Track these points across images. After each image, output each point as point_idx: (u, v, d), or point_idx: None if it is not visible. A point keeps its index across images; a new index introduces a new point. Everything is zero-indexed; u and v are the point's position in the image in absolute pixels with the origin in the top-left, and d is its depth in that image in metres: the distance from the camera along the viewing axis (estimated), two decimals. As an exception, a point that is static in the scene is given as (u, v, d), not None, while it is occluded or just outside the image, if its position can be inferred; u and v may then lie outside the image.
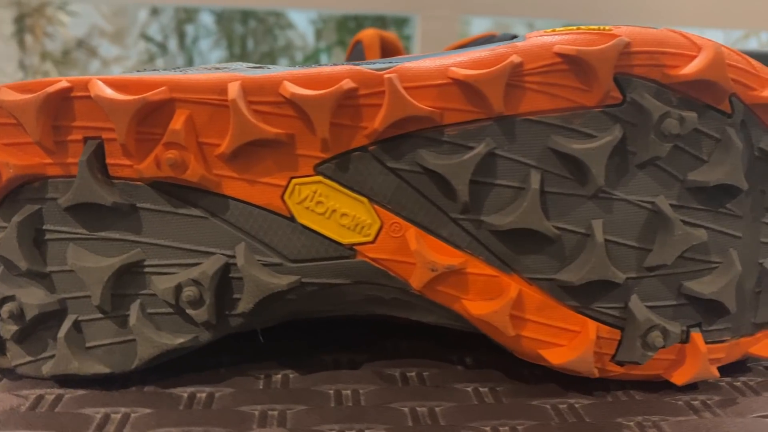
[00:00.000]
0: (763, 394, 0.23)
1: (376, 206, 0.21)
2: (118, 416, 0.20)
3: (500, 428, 0.21)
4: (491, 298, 0.21)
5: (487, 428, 0.21)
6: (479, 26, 1.89)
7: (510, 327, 0.21)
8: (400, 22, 1.45)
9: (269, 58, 1.66)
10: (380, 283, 0.21)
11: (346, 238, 0.21)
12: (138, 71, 0.23)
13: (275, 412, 0.21)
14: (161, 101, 0.19)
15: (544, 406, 0.22)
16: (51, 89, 0.19)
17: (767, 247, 0.23)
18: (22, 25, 1.44)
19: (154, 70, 0.22)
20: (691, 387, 0.23)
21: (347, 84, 0.19)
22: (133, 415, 0.21)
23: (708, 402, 0.23)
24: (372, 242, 0.21)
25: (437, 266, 0.20)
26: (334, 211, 0.21)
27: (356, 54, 0.45)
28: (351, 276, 0.21)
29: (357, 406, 0.22)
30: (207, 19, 1.65)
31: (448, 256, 0.21)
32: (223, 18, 1.63)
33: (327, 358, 0.25)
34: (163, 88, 0.19)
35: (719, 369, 0.24)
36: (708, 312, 0.23)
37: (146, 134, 0.20)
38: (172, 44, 1.64)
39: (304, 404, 0.22)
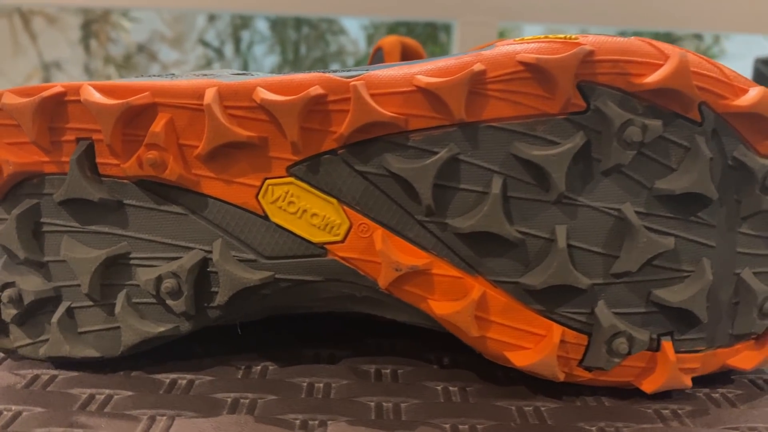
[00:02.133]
0: (740, 406, 0.23)
1: (345, 207, 0.22)
2: (102, 397, 0.22)
3: (460, 426, 0.21)
4: (456, 299, 0.22)
5: (447, 426, 0.21)
6: (531, 33, 1.87)
7: (473, 327, 0.22)
8: (449, 28, 1.45)
9: (321, 63, 1.69)
10: (351, 281, 0.22)
11: (317, 237, 0.22)
12: (136, 77, 0.24)
13: (247, 400, 0.22)
14: (144, 105, 0.21)
15: (509, 408, 0.22)
16: (46, 94, 0.21)
17: (744, 257, 0.23)
18: (88, 31, 1.52)
19: (151, 76, 0.24)
20: (665, 396, 0.23)
21: (315, 90, 0.21)
22: (115, 396, 0.22)
23: (679, 411, 0.23)
24: (341, 242, 0.22)
25: (401, 266, 0.21)
26: (305, 211, 0.22)
27: (377, 60, 0.46)
28: (322, 273, 0.22)
29: (326, 398, 0.23)
30: (262, 26, 1.70)
31: (413, 257, 0.22)
32: (277, 24, 1.68)
33: (308, 353, 0.26)
34: (146, 93, 0.21)
35: (699, 379, 0.24)
36: (679, 321, 0.23)
37: (131, 136, 0.21)
38: (228, 49, 1.69)
39: (276, 394, 0.23)
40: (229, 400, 0.22)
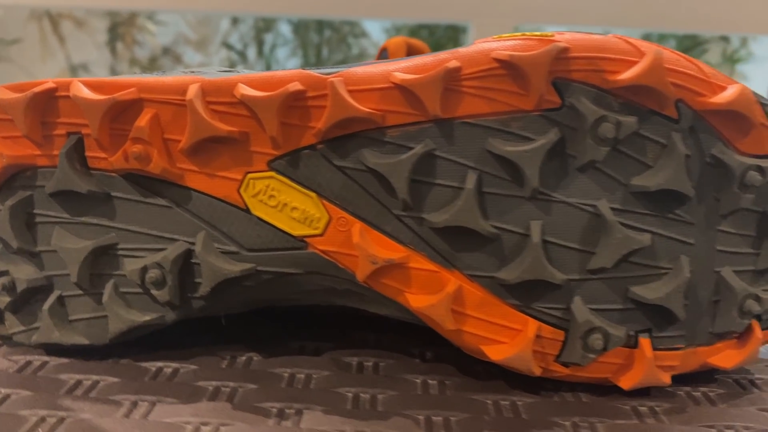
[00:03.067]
0: (720, 405, 0.23)
1: (324, 201, 0.22)
2: (89, 382, 0.23)
3: (433, 418, 0.22)
4: (433, 292, 0.22)
5: (421, 417, 0.22)
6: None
7: (448, 321, 0.22)
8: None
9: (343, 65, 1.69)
10: (331, 274, 0.23)
11: (297, 231, 0.22)
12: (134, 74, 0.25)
13: (228, 389, 0.23)
14: (130, 101, 0.22)
15: (486, 401, 0.23)
16: (37, 89, 0.22)
17: (724, 255, 0.23)
18: (114, 34, 1.55)
19: (143, 72, 0.25)
20: (644, 393, 0.23)
21: (293, 87, 0.21)
22: (101, 382, 0.23)
23: (656, 408, 0.23)
24: (321, 235, 0.22)
25: (377, 259, 0.22)
26: (285, 204, 0.22)
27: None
28: (303, 266, 0.23)
29: (305, 388, 0.23)
30: (285, 29, 1.72)
31: (390, 251, 0.22)
32: (299, 27, 1.69)
33: (293, 345, 0.26)
34: (132, 89, 0.22)
35: (681, 377, 0.24)
36: (657, 318, 0.23)
37: (119, 130, 0.22)
38: (252, 52, 1.71)
39: (256, 383, 0.23)
40: (211, 388, 0.23)
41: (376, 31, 1.73)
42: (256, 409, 0.21)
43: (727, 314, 0.23)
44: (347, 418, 0.21)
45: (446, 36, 1.62)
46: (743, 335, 0.24)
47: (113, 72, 1.56)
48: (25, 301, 0.24)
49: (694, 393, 0.24)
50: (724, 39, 1.64)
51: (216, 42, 1.71)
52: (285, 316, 0.29)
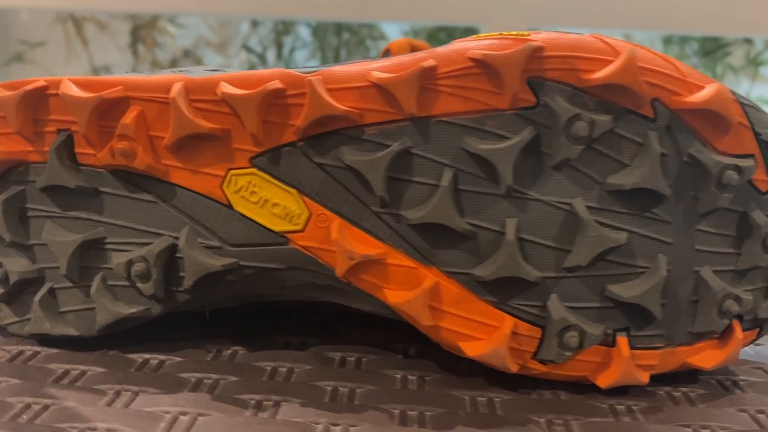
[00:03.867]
0: (699, 405, 0.23)
1: (304, 197, 0.23)
2: (76, 372, 0.23)
3: (408, 412, 0.22)
4: (410, 288, 0.22)
5: (396, 411, 0.22)
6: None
7: (424, 316, 0.22)
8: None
9: (361, 68, 1.70)
10: (312, 270, 0.23)
11: (278, 226, 0.23)
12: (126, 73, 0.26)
13: (210, 380, 0.23)
14: (117, 99, 0.22)
15: (463, 397, 0.23)
16: (29, 87, 0.23)
17: (703, 254, 0.23)
18: (136, 37, 1.57)
19: (133, 72, 0.26)
20: (623, 392, 0.23)
21: (273, 85, 0.22)
22: (88, 372, 0.24)
23: (634, 407, 0.23)
24: (301, 231, 0.23)
25: (355, 255, 0.22)
26: (266, 200, 0.23)
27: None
28: (285, 261, 0.23)
29: (286, 381, 0.23)
30: (304, 32, 1.73)
31: (368, 247, 0.22)
32: (318, 30, 1.70)
33: (280, 340, 0.27)
34: (119, 87, 0.22)
35: (663, 377, 0.24)
36: (634, 317, 0.23)
37: (106, 127, 0.23)
38: (271, 55, 1.73)
39: (238, 376, 0.24)
40: (193, 379, 0.23)
41: (394, 34, 1.74)
42: (234, 401, 0.22)
43: (706, 314, 0.23)
44: (323, 411, 0.22)
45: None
46: (724, 336, 0.24)
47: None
48: (18, 293, 0.25)
49: (674, 393, 0.24)
50: (748, 41, 1.62)
51: (236, 44, 1.73)
52: (274, 312, 0.30)
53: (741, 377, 0.25)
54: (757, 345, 0.28)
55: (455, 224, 0.22)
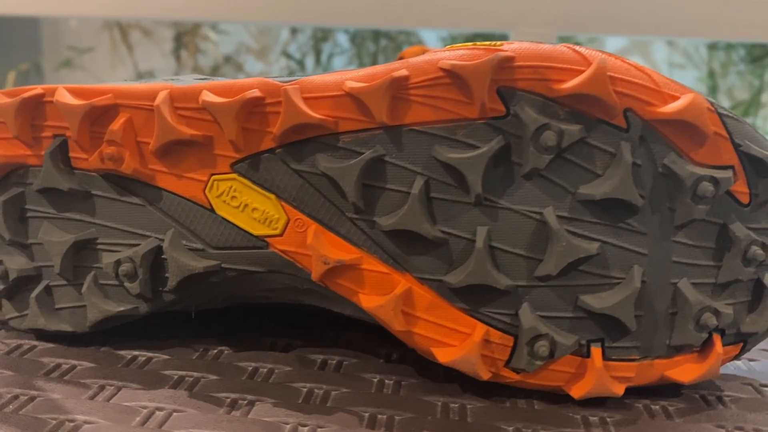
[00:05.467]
0: (676, 419, 0.23)
1: (282, 203, 0.23)
2: (67, 366, 0.25)
3: (378, 416, 0.22)
4: (384, 293, 0.23)
5: (366, 414, 0.22)
6: (614, 44, 1.82)
7: (396, 321, 0.22)
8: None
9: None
10: (291, 273, 0.24)
11: (257, 230, 0.23)
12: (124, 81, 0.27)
13: (191, 378, 0.24)
14: (107, 106, 0.23)
15: (436, 403, 0.23)
16: (26, 95, 0.24)
17: (681, 266, 0.22)
18: (179, 43, 1.62)
19: (126, 81, 0.27)
20: (599, 403, 0.23)
21: (251, 93, 0.22)
22: (78, 367, 0.25)
23: (607, 419, 0.23)
24: (280, 235, 0.23)
25: (329, 260, 0.22)
26: (246, 205, 0.23)
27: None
28: (264, 265, 0.24)
29: (264, 381, 0.24)
30: (342, 38, 1.75)
31: (343, 252, 0.23)
32: (356, 37, 1.72)
33: (266, 341, 0.28)
34: (108, 95, 0.23)
35: (643, 390, 0.24)
36: (609, 328, 0.22)
37: (98, 133, 0.24)
38: (310, 61, 1.75)
39: (219, 375, 0.24)
40: (176, 377, 0.24)
41: (432, 39, 1.74)
42: (210, 398, 0.23)
43: (683, 327, 0.23)
44: (294, 411, 0.22)
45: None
46: (704, 349, 0.23)
47: (177, 79, 1.62)
48: (18, 290, 0.26)
49: (652, 406, 0.24)
50: (798, 47, 1.57)
51: (276, 51, 1.75)
52: (266, 313, 0.30)
53: (727, 393, 0.25)
54: (751, 360, 0.28)
55: (425, 231, 0.22)
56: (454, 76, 0.21)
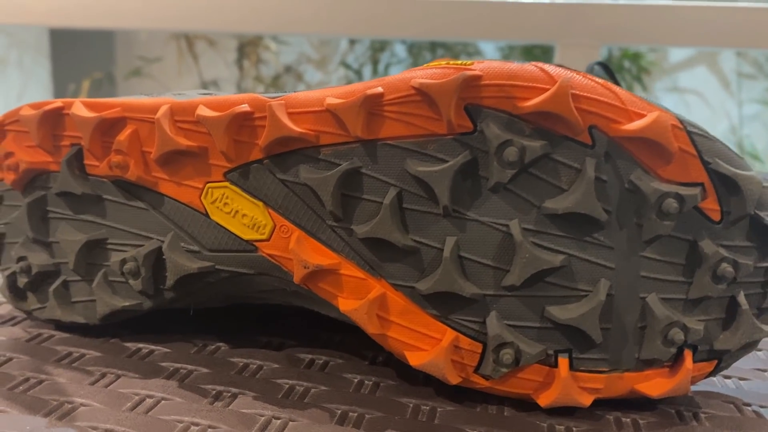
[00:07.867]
0: (643, 432, 0.23)
1: (269, 210, 0.25)
2: (77, 354, 0.27)
3: (349, 413, 0.23)
4: (360, 297, 0.24)
5: (338, 411, 0.24)
6: (678, 55, 1.77)
7: (370, 324, 0.24)
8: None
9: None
10: (278, 276, 0.25)
11: (247, 235, 0.25)
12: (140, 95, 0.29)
13: (184, 371, 0.26)
14: (115, 118, 0.26)
15: (408, 404, 0.24)
16: (48, 107, 0.26)
17: (649, 281, 0.23)
18: (242, 53, 1.67)
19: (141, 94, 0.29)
20: (569, 413, 0.24)
21: (240, 108, 0.24)
22: (87, 355, 0.27)
23: (573, 428, 0.23)
24: (267, 240, 0.25)
25: (308, 264, 0.24)
26: (237, 211, 0.25)
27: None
28: (254, 267, 0.25)
29: (251, 377, 0.26)
30: (399, 48, 1.77)
31: (323, 257, 0.24)
32: (413, 47, 1.73)
33: (261, 340, 0.29)
34: (117, 108, 0.26)
35: (618, 402, 0.24)
36: (576, 339, 0.23)
37: (108, 143, 0.26)
38: (367, 71, 1.78)
39: (211, 369, 0.26)
40: (171, 368, 0.26)
41: (489, 49, 1.74)
42: (197, 389, 0.24)
43: (652, 341, 0.23)
44: (271, 405, 0.24)
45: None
46: (674, 365, 0.24)
47: (239, 88, 1.69)
48: (40, 283, 0.29)
49: (623, 418, 0.24)
50: None
51: (335, 61, 1.79)
52: (268, 314, 0.32)
53: (706, 410, 0.25)
54: (742, 380, 0.27)
55: (396, 240, 0.23)
56: (423, 94, 0.22)
